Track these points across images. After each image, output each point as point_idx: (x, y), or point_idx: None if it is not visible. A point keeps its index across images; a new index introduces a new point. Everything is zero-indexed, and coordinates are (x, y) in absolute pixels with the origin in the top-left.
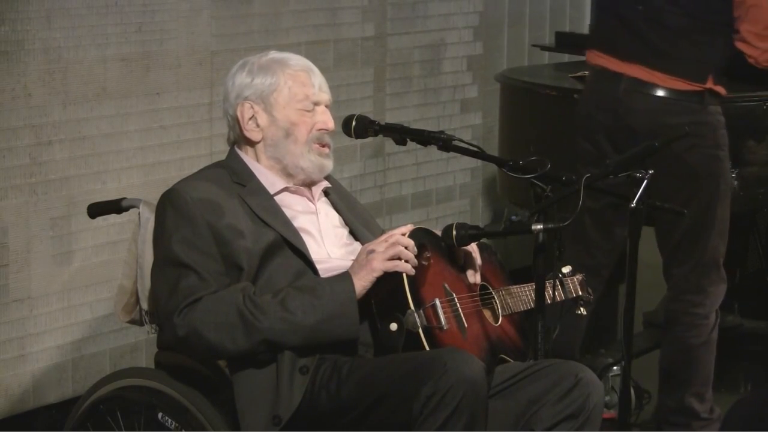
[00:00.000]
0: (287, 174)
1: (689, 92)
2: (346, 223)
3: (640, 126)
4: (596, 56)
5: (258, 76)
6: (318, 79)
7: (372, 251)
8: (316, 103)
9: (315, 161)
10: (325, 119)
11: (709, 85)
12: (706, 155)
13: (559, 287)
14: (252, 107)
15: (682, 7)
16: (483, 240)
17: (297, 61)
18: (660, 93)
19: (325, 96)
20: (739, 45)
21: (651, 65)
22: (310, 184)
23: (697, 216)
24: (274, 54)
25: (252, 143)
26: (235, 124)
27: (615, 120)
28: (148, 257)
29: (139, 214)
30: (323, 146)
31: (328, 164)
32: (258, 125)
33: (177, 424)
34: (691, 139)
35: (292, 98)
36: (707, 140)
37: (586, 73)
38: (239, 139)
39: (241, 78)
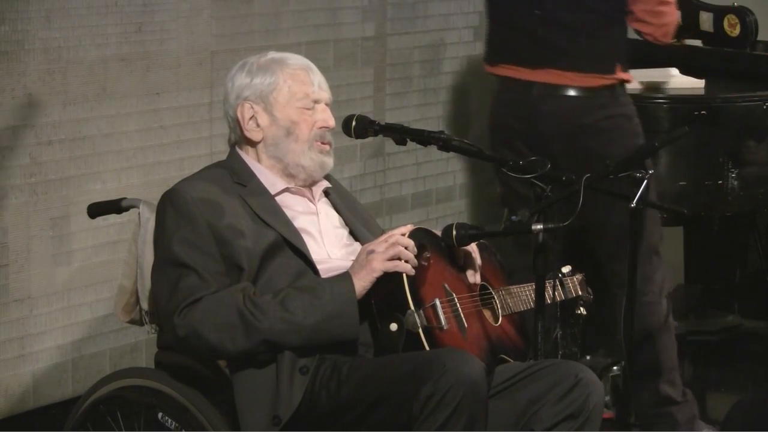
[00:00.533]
0: (288, 174)
1: (600, 87)
2: (347, 223)
3: (556, 129)
4: (502, 69)
5: (257, 76)
6: (317, 77)
7: (372, 251)
8: (316, 101)
9: (316, 159)
10: (326, 117)
11: (619, 74)
12: (625, 146)
13: (559, 287)
14: (252, 107)
15: (577, 3)
16: (483, 240)
17: (296, 60)
18: (572, 93)
19: (325, 94)
20: (635, 25)
21: (559, 67)
22: (310, 184)
23: (624, 208)
24: (273, 54)
25: (253, 143)
26: (235, 125)
27: (530, 126)
28: (148, 257)
29: (139, 214)
30: (324, 144)
31: (329, 162)
32: (258, 125)
33: (177, 424)
34: (607, 132)
35: (291, 97)
36: (624, 131)
37: None
38: (240, 140)
39: (241, 78)
